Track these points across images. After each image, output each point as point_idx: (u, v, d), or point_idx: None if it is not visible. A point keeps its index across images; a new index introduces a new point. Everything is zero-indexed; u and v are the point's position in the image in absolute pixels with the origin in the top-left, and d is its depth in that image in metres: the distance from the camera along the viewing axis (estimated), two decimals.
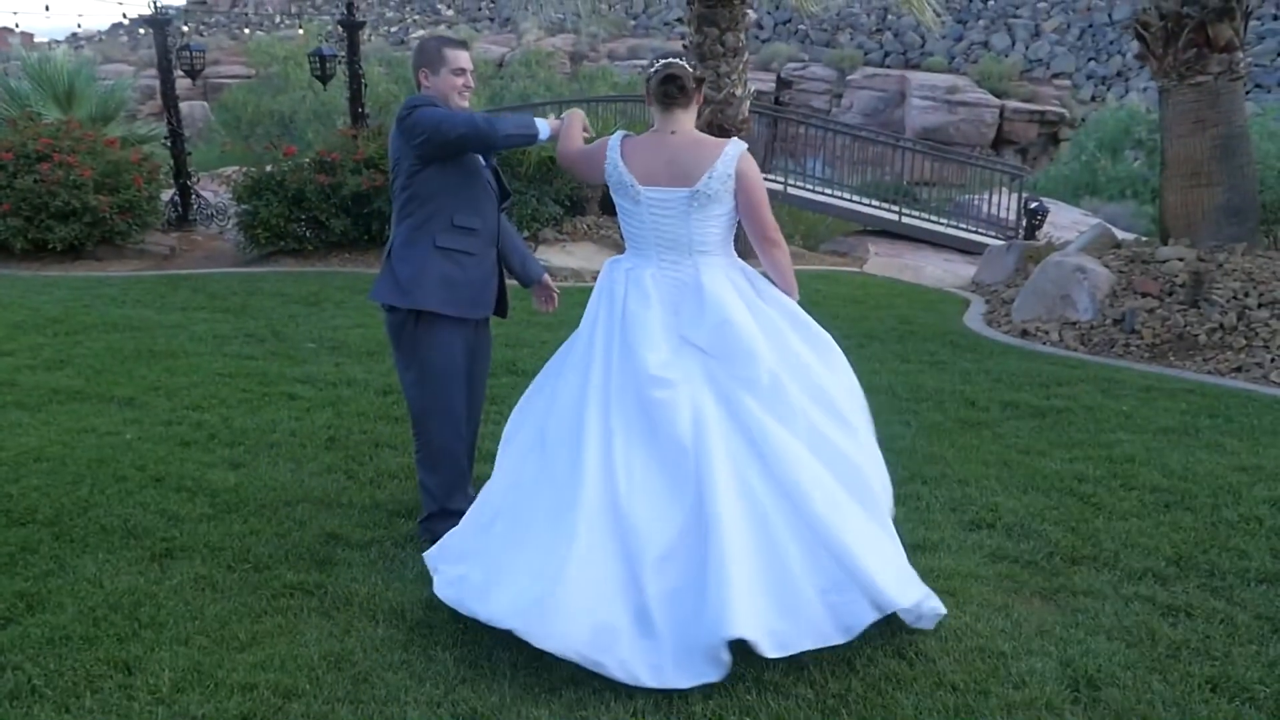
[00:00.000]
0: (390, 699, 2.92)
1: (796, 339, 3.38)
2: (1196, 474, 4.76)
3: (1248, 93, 25.95)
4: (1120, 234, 10.93)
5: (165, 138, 12.52)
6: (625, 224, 3.51)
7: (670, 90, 3.37)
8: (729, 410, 3.21)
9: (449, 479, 3.91)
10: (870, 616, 3.03)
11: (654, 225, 3.40)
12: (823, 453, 3.20)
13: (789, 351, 3.32)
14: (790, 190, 16.01)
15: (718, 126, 10.94)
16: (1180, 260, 8.20)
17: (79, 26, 49.07)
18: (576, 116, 3.79)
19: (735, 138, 3.47)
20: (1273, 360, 6.89)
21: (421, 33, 42.11)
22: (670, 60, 3.43)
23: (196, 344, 6.85)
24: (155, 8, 12.57)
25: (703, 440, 3.15)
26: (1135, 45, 9.26)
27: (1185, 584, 3.68)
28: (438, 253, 3.72)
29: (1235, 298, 7.65)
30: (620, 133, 3.54)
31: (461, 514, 3.88)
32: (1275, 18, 35.45)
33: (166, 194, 12.13)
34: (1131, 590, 3.62)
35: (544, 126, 3.70)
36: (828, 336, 3.48)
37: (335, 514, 4.17)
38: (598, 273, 11.16)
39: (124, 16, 48.98)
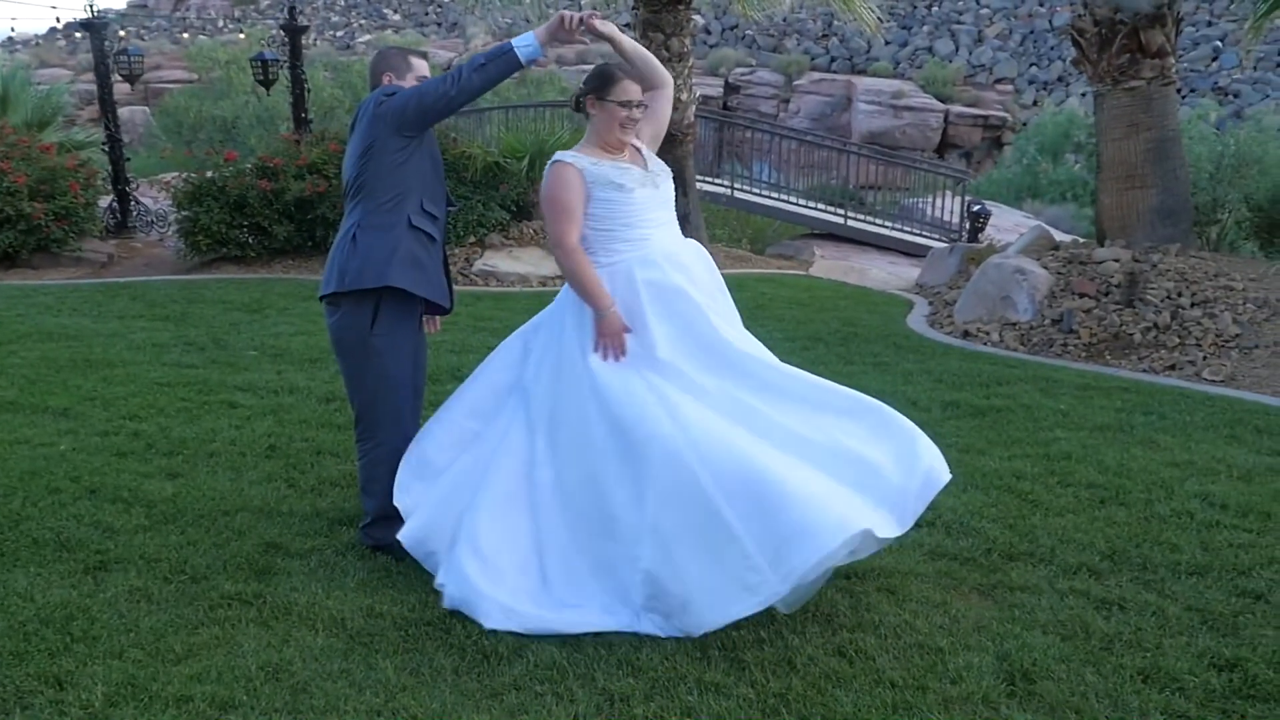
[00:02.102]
0: (329, 708, 2.90)
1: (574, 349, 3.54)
2: (1131, 470, 4.86)
3: (1183, 97, 26.54)
4: (1060, 236, 11.14)
5: (103, 143, 12.29)
6: None
7: None
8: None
9: (392, 485, 3.87)
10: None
11: None
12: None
13: (561, 361, 3.56)
14: (737, 194, 16.14)
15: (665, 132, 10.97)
16: (1116, 261, 8.37)
17: (13, 30, 47.98)
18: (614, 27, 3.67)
19: (565, 151, 3.63)
20: (1205, 358, 7.06)
21: (368, 37, 41.84)
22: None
23: (134, 353, 6.73)
24: (92, 12, 12.34)
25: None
26: (1074, 51, 9.44)
27: (1119, 578, 3.76)
28: (410, 232, 3.70)
29: (1169, 297, 7.83)
30: None
31: (404, 520, 3.87)
32: (1209, 24, 36.37)
33: (105, 200, 11.91)
34: (1067, 585, 3.69)
35: (523, 40, 3.53)
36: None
37: (275, 523, 4.12)
38: (545, 277, 11.14)
39: (57, 20, 48.07)
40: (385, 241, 3.68)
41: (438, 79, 3.61)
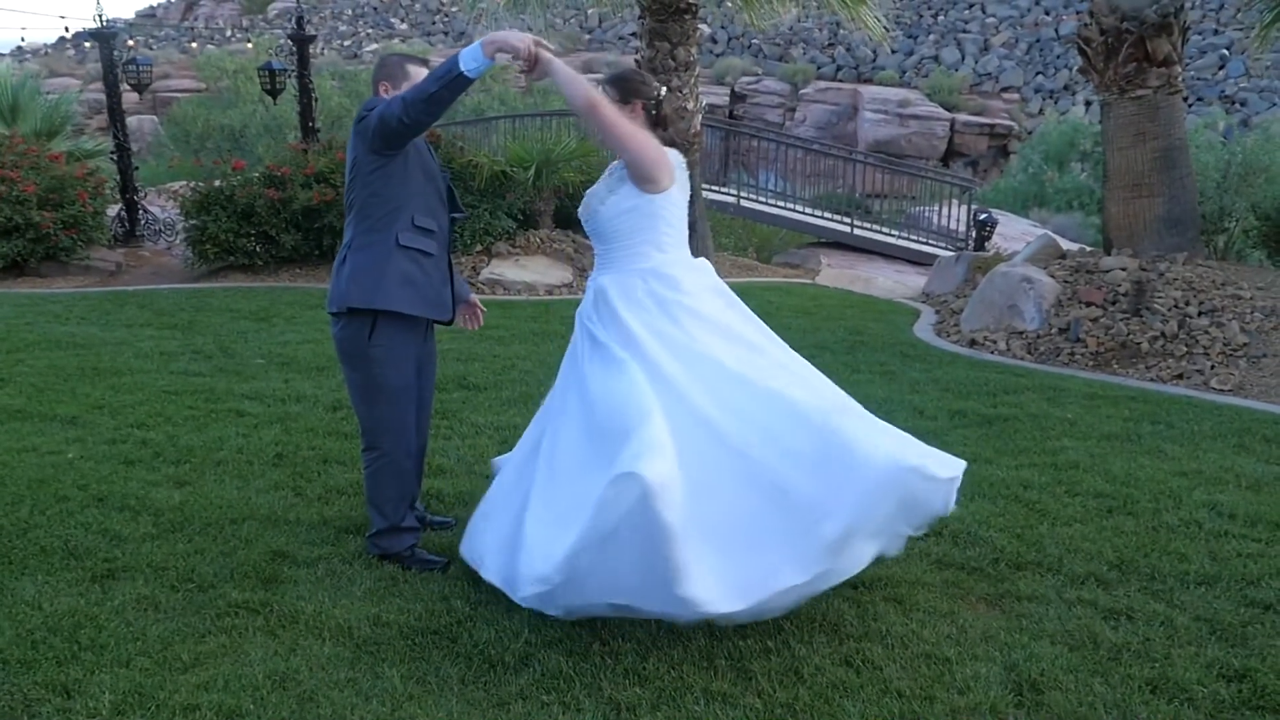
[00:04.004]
0: (336, 717, 2.89)
1: None
2: (1138, 479, 4.84)
3: (1190, 106, 26.51)
4: (1066, 244, 11.13)
5: (112, 152, 12.35)
6: (682, 219, 3.61)
7: (675, 120, 3.70)
8: None
9: (398, 495, 3.87)
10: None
11: None
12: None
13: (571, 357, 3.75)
14: (744, 203, 16.13)
15: (669, 140, 10.98)
16: (1123, 270, 8.36)
17: (22, 40, 48.23)
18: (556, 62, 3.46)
19: None
20: (1212, 367, 7.04)
21: (375, 46, 41.96)
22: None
23: (142, 361, 6.74)
24: (100, 21, 12.40)
25: None
26: (1080, 60, 9.44)
27: (1127, 588, 3.75)
28: (399, 251, 3.68)
29: (1176, 306, 7.81)
30: None
31: (410, 530, 3.88)
32: (1215, 32, 36.36)
33: (113, 209, 11.96)
34: (1074, 594, 3.68)
35: (469, 58, 3.37)
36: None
37: (282, 531, 4.12)
38: (552, 286, 11.04)
39: (66, 30, 48.32)
40: (373, 262, 3.67)
41: (396, 102, 3.48)
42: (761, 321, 3.66)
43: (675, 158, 3.57)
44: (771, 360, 3.43)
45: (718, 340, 3.38)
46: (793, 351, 3.61)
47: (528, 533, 3.30)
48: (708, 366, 3.30)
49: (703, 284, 3.54)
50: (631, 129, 3.44)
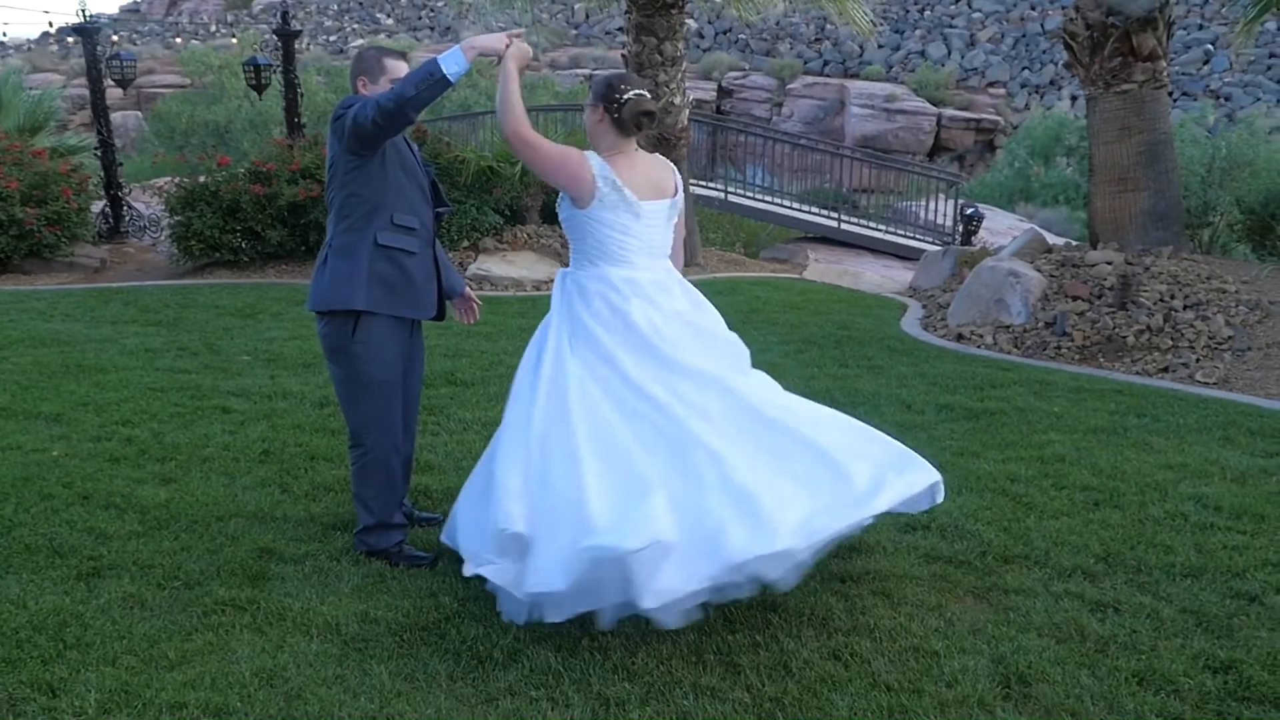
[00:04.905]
0: (324, 714, 2.89)
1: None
2: (1124, 472, 4.86)
3: (1175, 101, 26.62)
4: (1052, 239, 11.16)
5: (96, 148, 12.26)
6: (614, 238, 3.49)
7: (648, 123, 3.52)
8: None
9: (385, 491, 3.86)
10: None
11: (647, 238, 3.54)
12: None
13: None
14: (731, 198, 16.13)
15: (657, 136, 10.99)
16: (1109, 264, 8.39)
17: (5, 35, 47.95)
18: (513, 67, 3.44)
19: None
20: (1197, 360, 7.07)
21: (360, 41, 41.78)
22: (643, 92, 3.51)
23: (127, 358, 6.70)
24: (84, 16, 12.31)
25: None
26: (1065, 54, 9.47)
27: (1113, 580, 3.76)
28: (378, 251, 3.66)
29: (1161, 300, 7.84)
30: (590, 152, 3.50)
31: (398, 526, 3.87)
32: (1200, 27, 36.53)
33: (97, 206, 11.88)
34: (1061, 587, 3.69)
35: (450, 61, 3.37)
36: None
37: (269, 528, 4.11)
38: (539, 282, 11.05)
39: (50, 25, 48.01)
40: (350, 264, 3.65)
41: (370, 104, 3.45)
42: (706, 355, 3.51)
43: (600, 177, 3.42)
44: (645, 403, 3.35)
45: (598, 365, 3.44)
46: (721, 390, 3.42)
47: (458, 509, 3.65)
48: (560, 388, 3.41)
49: (613, 308, 3.48)
50: (544, 152, 3.46)
